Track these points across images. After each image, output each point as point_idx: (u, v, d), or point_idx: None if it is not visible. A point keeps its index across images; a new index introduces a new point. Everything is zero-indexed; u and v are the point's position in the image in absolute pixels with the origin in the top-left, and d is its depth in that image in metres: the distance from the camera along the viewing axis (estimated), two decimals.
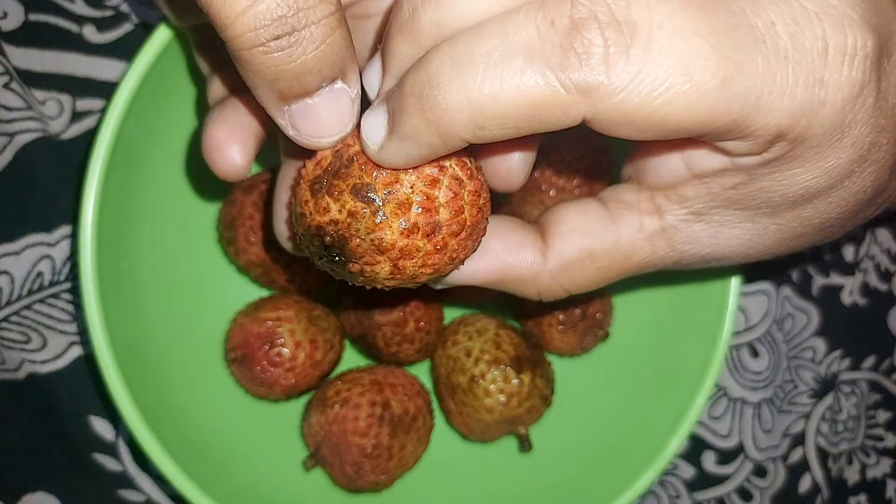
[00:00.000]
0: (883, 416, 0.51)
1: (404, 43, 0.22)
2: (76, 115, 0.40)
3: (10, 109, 0.39)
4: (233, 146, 0.27)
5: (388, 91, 0.23)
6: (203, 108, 0.37)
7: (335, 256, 0.23)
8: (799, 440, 0.49)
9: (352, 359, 0.40)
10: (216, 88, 0.29)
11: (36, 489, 0.39)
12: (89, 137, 0.40)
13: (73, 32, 0.40)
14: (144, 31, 0.41)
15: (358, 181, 0.22)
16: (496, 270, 0.27)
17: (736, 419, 0.48)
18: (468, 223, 0.23)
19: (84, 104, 0.40)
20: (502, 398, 0.36)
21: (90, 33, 0.41)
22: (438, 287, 0.28)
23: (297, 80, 0.21)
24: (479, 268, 0.27)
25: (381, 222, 0.22)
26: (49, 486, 0.39)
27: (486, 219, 0.24)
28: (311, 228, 0.23)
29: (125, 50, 0.41)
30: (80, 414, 0.40)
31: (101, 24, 0.41)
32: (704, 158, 0.24)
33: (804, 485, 0.49)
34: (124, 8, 0.41)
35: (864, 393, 0.50)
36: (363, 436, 0.34)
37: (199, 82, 0.36)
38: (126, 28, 0.41)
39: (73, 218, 0.40)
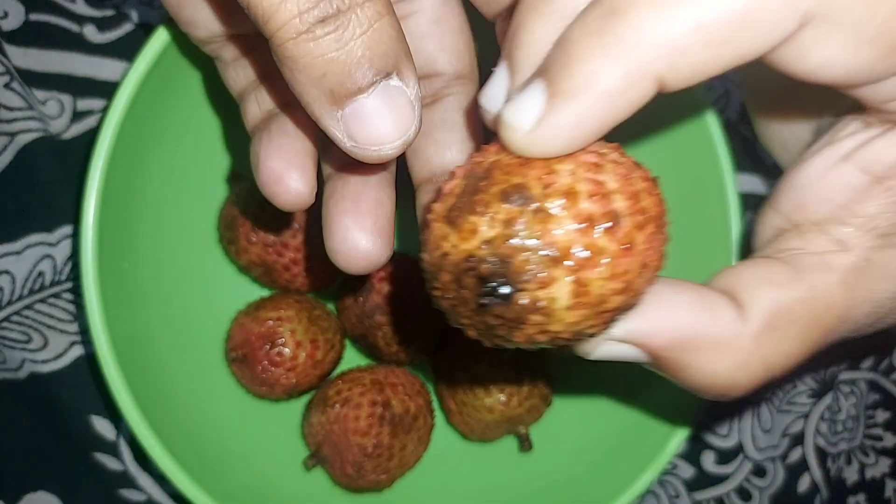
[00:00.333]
0: (882, 415, 0.51)
1: (545, 23, 0.19)
2: (77, 115, 0.40)
3: (11, 109, 0.39)
4: (293, 174, 0.24)
5: (535, 72, 0.19)
6: (206, 106, 0.37)
7: (497, 289, 0.18)
8: (798, 440, 0.49)
9: (352, 358, 0.40)
10: (253, 111, 0.27)
11: (37, 489, 0.39)
12: (90, 137, 0.40)
13: (74, 32, 0.40)
14: (145, 30, 0.41)
15: (505, 185, 0.18)
16: (686, 327, 0.20)
17: (735, 419, 0.48)
18: (651, 213, 0.19)
19: (85, 104, 0.40)
20: (503, 397, 0.36)
21: (91, 33, 0.41)
22: (599, 355, 0.21)
23: (348, 73, 0.19)
24: (662, 324, 0.20)
25: (547, 221, 0.18)
26: (50, 486, 0.39)
27: (666, 218, 0.19)
28: (458, 266, 0.18)
29: (126, 50, 0.41)
30: (81, 413, 0.40)
31: (102, 24, 0.41)
32: (887, 147, 0.21)
33: (803, 484, 0.49)
34: (125, 8, 0.41)
35: (864, 393, 0.50)
36: (364, 435, 0.34)
37: (201, 82, 0.36)
38: (127, 28, 0.41)
39: (75, 218, 0.40)
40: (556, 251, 0.17)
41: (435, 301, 0.19)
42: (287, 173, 0.24)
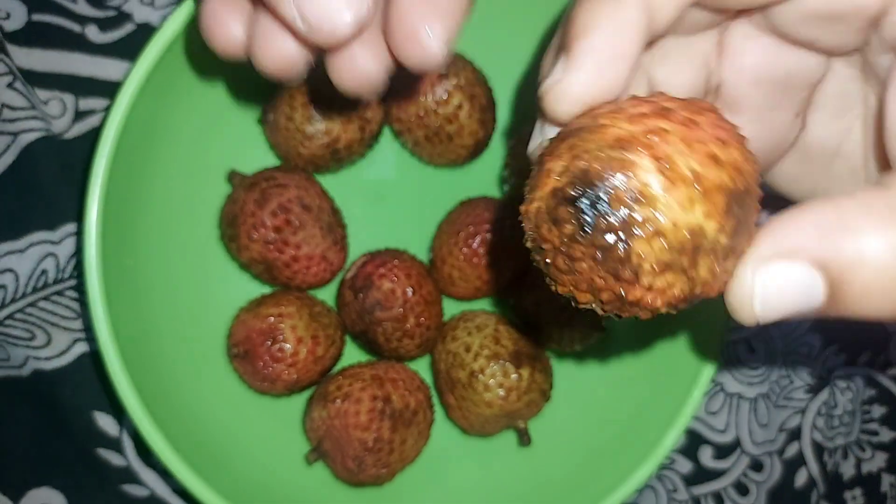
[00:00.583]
0: (878, 410, 0.52)
1: None
2: (79, 115, 0.41)
3: (13, 109, 0.39)
4: (232, 18, 0.24)
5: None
6: (207, 105, 0.37)
7: (589, 197, 0.18)
8: (795, 435, 0.49)
9: (353, 354, 0.40)
10: None
11: (40, 485, 0.40)
12: (92, 136, 0.41)
13: (76, 33, 0.41)
14: (147, 31, 0.42)
15: (560, 135, 0.20)
16: (838, 208, 0.18)
17: (732, 414, 0.48)
18: (707, 107, 0.19)
19: (87, 103, 0.41)
20: (501, 392, 0.36)
21: (93, 33, 0.41)
22: (764, 300, 0.19)
23: None
24: (807, 217, 0.18)
25: (604, 130, 0.19)
26: (53, 482, 0.40)
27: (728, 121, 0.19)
28: (550, 209, 0.19)
29: (127, 50, 0.41)
30: (84, 409, 0.40)
31: (104, 25, 0.41)
32: None
33: (800, 479, 0.50)
34: (126, 8, 0.42)
35: (860, 388, 0.51)
36: (364, 430, 0.35)
37: (202, 81, 0.36)
38: (128, 28, 0.42)
39: (78, 216, 0.40)
40: (622, 142, 0.18)
41: (551, 272, 0.19)
42: (227, 16, 0.24)
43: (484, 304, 0.42)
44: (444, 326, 0.39)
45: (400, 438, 0.36)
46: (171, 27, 0.32)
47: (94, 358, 0.40)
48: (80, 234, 0.40)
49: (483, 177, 0.42)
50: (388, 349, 0.38)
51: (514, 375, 0.37)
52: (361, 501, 0.38)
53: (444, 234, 0.40)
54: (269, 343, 0.36)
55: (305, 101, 0.37)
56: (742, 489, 0.49)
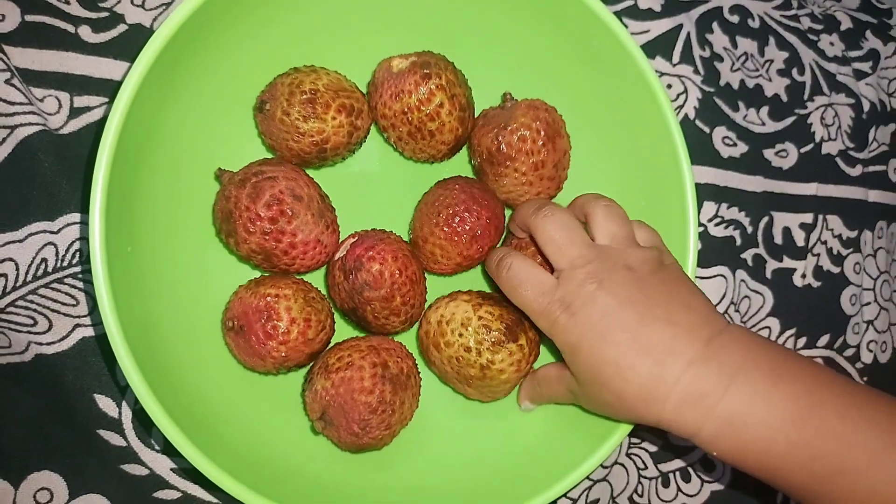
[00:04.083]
0: None
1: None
2: (74, 111, 0.44)
3: (11, 104, 0.43)
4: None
5: None
6: (207, 102, 0.41)
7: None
8: None
9: (342, 334, 0.45)
10: None
11: (41, 468, 0.43)
12: (88, 131, 0.45)
13: (70, 33, 0.45)
14: (138, 31, 0.46)
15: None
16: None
17: None
18: None
19: (82, 101, 0.45)
20: (513, 368, 0.42)
21: (86, 34, 0.45)
22: None
23: None
24: None
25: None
26: (53, 465, 0.43)
27: None
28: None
29: (121, 49, 0.45)
30: (85, 392, 0.43)
31: (97, 25, 0.45)
32: None
33: None
34: (118, 9, 0.46)
35: None
36: (369, 393, 0.39)
37: (198, 80, 0.41)
38: (121, 28, 0.46)
39: (80, 206, 0.44)
40: None
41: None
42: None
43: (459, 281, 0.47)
44: (427, 311, 0.44)
45: (399, 400, 0.41)
46: (168, 27, 0.36)
47: (98, 341, 0.44)
48: (85, 223, 0.43)
49: (461, 170, 0.47)
50: (375, 325, 0.43)
51: (516, 349, 0.42)
52: (353, 471, 0.43)
53: (423, 216, 0.44)
54: (264, 320, 0.40)
55: (304, 98, 0.41)
56: (708, 465, 0.54)
